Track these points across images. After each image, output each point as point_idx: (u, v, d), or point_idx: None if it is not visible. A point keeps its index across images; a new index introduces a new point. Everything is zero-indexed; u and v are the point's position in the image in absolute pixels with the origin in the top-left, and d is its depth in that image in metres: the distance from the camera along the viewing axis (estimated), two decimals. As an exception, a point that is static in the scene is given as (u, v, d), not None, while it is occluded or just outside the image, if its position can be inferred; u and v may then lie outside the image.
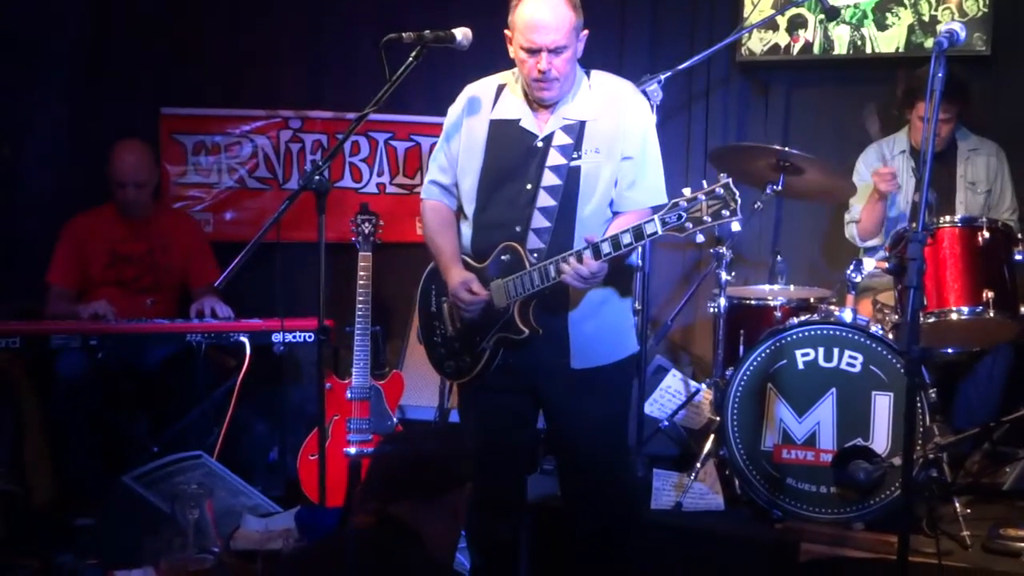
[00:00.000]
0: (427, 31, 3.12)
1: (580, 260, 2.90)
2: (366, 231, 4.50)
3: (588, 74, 3.16)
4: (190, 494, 3.30)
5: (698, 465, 4.08)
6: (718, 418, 4.03)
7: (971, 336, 4.10)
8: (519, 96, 3.14)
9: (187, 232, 4.83)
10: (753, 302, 4.41)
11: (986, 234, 3.88)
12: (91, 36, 5.35)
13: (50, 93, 5.20)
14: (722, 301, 4.25)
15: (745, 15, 5.08)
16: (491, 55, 5.21)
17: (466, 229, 3.20)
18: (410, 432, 4.40)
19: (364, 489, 2.42)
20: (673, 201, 2.81)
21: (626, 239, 2.85)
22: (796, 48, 5.18)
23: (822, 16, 4.79)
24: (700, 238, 2.81)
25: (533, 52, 2.99)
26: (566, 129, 3.06)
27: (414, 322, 5.11)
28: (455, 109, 3.26)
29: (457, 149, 3.21)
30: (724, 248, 4.25)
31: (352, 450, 4.38)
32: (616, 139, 3.05)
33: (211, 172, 5.38)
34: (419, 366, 4.97)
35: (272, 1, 5.48)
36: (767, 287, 4.70)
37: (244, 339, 4.22)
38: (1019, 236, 4.05)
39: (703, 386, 4.56)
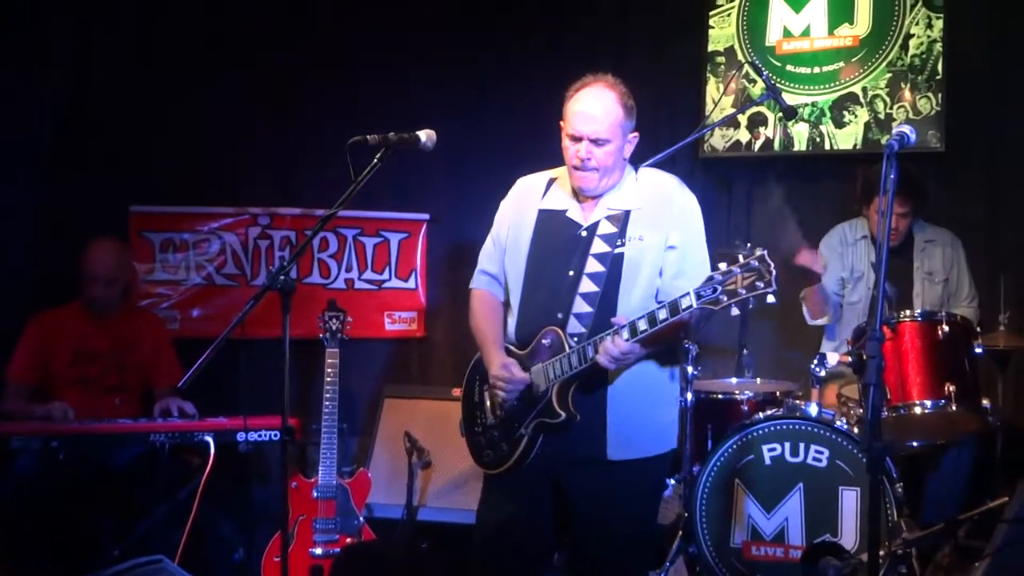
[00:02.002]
0: (391, 133, 3.16)
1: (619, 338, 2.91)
2: (333, 327, 4.50)
3: (636, 170, 3.24)
4: (149, 601, 3.22)
5: (668, 563, 4.04)
6: (687, 514, 4.01)
7: (935, 429, 4.13)
8: (567, 189, 3.22)
9: (152, 331, 4.79)
10: (720, 396, 4.43)
11: (946, 328, 3.95)
12: (61, 135, 5.39)
13: (19, 191, 5.21)
14: (689, 396, 4.27)
15: (707, 113, 5.21)
16: (459, 154, 5.34)
17: (511, 318, 3.23)
18: (373, 541, 4.36)
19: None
20: (708, 275, 2.82)
21: (662, 315, 2.86)
22: (757, 145, 5.31)
23: (781, 114, 4.91)
24: (734, 311, 2.78)
25: (576, 140, 3.10)
26: (611, 218, 3.12)
27: (381, 420, 5.11)
28: (507, 201, 3.35)
29: (506, 238, 3.28)
30: (690, 343, 4.29)
31: (318, 550, 4.31)
32: (660, 227, 3.09)
33: (179, 269, 5.39)
34: (387, 464, 4.94)
35: (240, 99, 5.55)
36: (734, 380, 4.72)
37: (208, 439, 4.15)
38: (977, 329, 4.11)
39: (672, 481, 4.54)
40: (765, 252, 2.76)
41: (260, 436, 4.20)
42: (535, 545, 3.22)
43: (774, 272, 2.75)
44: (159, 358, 4.68)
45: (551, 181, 3.28)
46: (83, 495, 4.31)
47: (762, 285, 2.74)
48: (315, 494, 4.36)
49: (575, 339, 3.02)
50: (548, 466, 3.10)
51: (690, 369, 4.28)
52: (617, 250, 3.07)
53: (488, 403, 3.23)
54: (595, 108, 3.09)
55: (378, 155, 3.13)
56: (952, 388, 3.87)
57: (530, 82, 5.37)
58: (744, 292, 2.75)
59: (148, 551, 3.92)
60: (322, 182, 5.29)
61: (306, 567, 4.29)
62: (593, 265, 3.08)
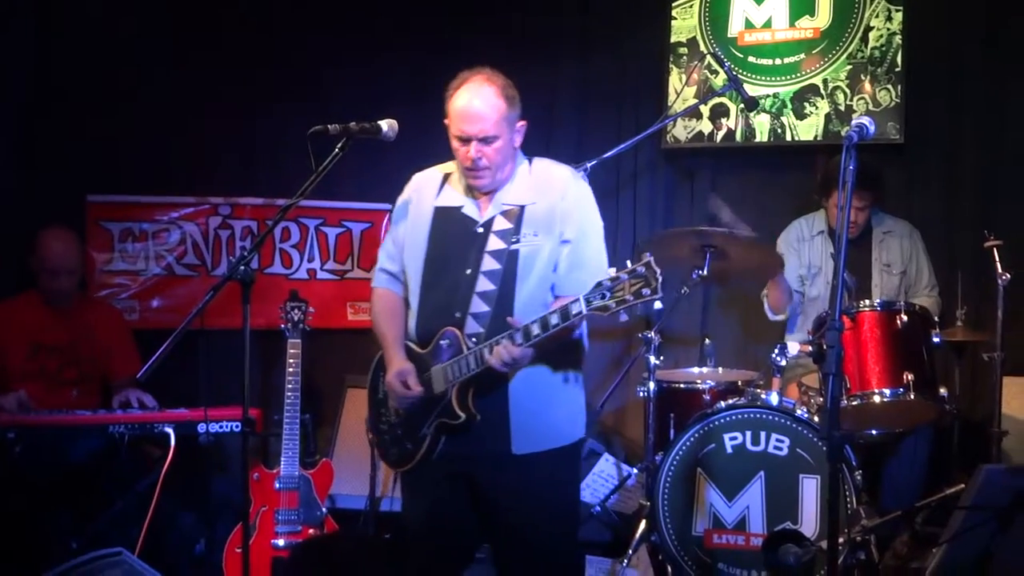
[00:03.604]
0: (353, 123, 3.14)
1: (512, 342, 2.91)
2: (295, 318, 4.47)
3: (530, 160, 3.22)
4: (108, 594, 3.19)
5: (630, 551, 4.06)
6: (649, 503, 4.03)
7: (893, 418, 4.18)
8: (461, 184, 3.20)
9: (111, 323, 4.73)
10: (682, 386, 4.45)
11: (904, 317, 3.99)
12: (17, 122, 5.30)
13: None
14: (651, 385, 4.28)
15: (669, 104, 5.23)
16: (421, 143, 5.30)
17: (411, 316, 3.22)
18: (329, 535, 4.34)
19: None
20: (597, 281, 2.82)
21: (554, 320, 2.87)
22: (719, 136, 5.34)
23: (743, 105, 4.94)
24: (624, 317, 2.79)
25: (464, 141, 3.07)
26: (505, 214, 3.11)
27: (343, 410, 5.09)
28: (402, 198, 3.31)
29: (403, 237, 3.26)
30: (652, 332, 4.30)
31: (280, 542, 4.29)
32: (553, 222, 3.09)
33: (138, 259, 5.34)
34: (349, 454, 4.92)
35: (200, 87, 5.49)
36: (696, 370, 4.75)
37: (169, 430, 4.10)
38: (936, 319, 4.16)
39: (635, 470, 4.56)
40: (652, 259, 2.76)
41: (221, 427, 4.16)
42: (458, 537, 3.22)
43: (660, 278, 2.76)
44: (117, 349, 4.63)
45: (445, 177, 3.25)
46: (40, 487, 4.26)
47: (648, 292, 2.75)
48: (277, 485, 4.33)
49: (473, 339, 3.02)
50: (458, 462, 3.10)
51: (652, 359, 4.29)
52: (512, 247, 3.06)
53: (391, 401, 3.22)
54: (478, 106, 3.05)
55: (339, 145, 3.12)
56: (911, 377, 3.91)
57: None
58: (632, 299, 2.76)
59: (107, 543, 3.88)
60: (283, 172, 5.26)
61: (268, 558, 4.27)
62: (489, 263, 3.07)
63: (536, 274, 3.06)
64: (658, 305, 2.79)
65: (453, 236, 3.14)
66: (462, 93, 3.09)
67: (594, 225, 3.18)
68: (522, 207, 3.10)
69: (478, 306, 3.05)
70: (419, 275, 3.17)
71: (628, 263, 2.78)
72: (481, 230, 3.11)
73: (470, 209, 3.15)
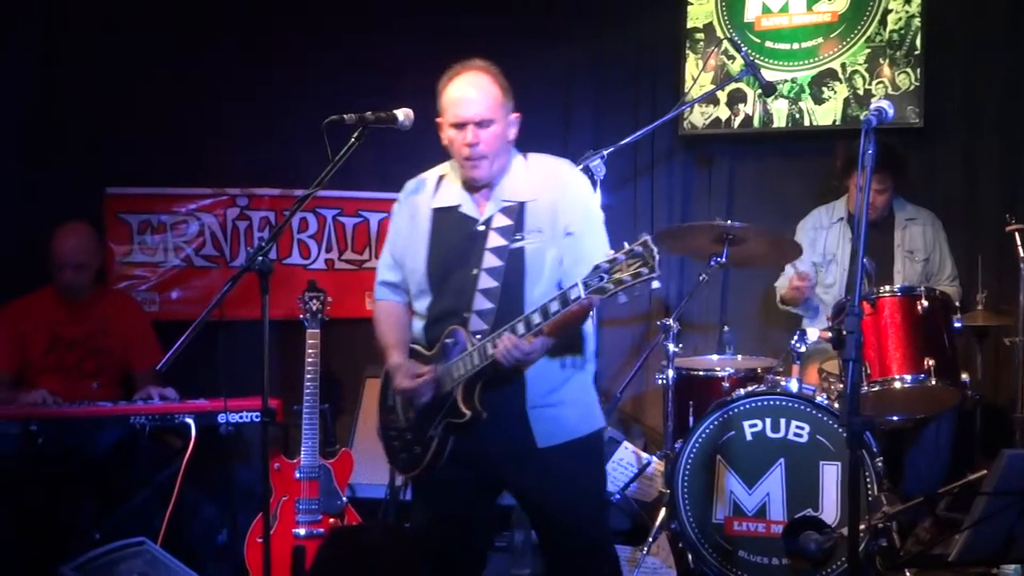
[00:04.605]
0: (369, 112, 3.14)
1: (514, 333, 2.89)
2: (314, 308, 4.48)
3: (525, 156, 3.20)
4: (131, 583, 3.22)
5: (650, 539, 4.06)
6: (669, 491, 4.03)
7: (915, 404, 4.16)
8: (458, 183, 3.17)
9: (129, 315, 4.74)
10: (701, 373, 4.44)
11: (925, 303, 3.97)
12: (34, 116, 5.33)
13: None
14: (670, 373, 4.27)
15: (686, 90, 5.20)
16: (436, 131, 5.30)
17: (418, 321, 3.20)
18: (357, 526, 4.35)
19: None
20: (595, 264, 2.79)
21: (554, 307, 2.84)
22: (737, 122, 5.31)
23: (760, 91, 4.90)
24: (623, 299, 2.76)
25: (460, 127, 3.04)
26: (506, 211, 3.09)
27: (363, 400, 5.10)
28: (398, 206, 3.29)
29: (403, 244, 3.23)
30: (671, 320, 4.30)
31: (301, 531, 4.31)
32: (557, 217, 3.07)
33: (157, 251, 5.37)
34: (369, 444, 4.90)
35: (217, 79, 5.51)
36: (715, 357, 4.74)
37: (189, 420, 4.11)
38: (956, 304, 4.14)
39: (654, 458, 4.55)
40: (649, 238, 2.73)
41: (241, 417, 4.17)
42: (471, 541, 3.22)
43: (657, 257, 2.72)
44: (137, 341, 4.64)
45: (440, 178, 3.22)
46: (63, 479, 4.29)
47: (646, 271, 2.71)
48: (297, 475, 4.35)
49: (478, 336, 3.00)
50: (475, 463, 3.07)
51: (671, 347, 4.28)
52: (515, 244, 3.04)
53: (399, 407, 3.20)
54: (471, 91, 3.04)
55: (355, 135, 3.12)
56: (932, 363, 3.89)
57: (508, 61, 5.31)
58: (630, 280, 2.72)
59: (130, 534, 3.91)
60: (301, 161, 5.23)
61: (289, 548, 4.29)
62: (491, 260, 3.04)
63: (547, 271, 3.04)
64: (656, 284, 2.75)
65: (454, 236, 3.12)
66: (456, 83, 3.08)
67: (596, 216, 3.17)
68: (522, 204, 3.08)
69: (482, 303, 3.03)
70: (424, 278, 3.15)
71: (625, 244, 2.75)
72: (482, 228, 3.08)
73: (468, 208, 3.12)
